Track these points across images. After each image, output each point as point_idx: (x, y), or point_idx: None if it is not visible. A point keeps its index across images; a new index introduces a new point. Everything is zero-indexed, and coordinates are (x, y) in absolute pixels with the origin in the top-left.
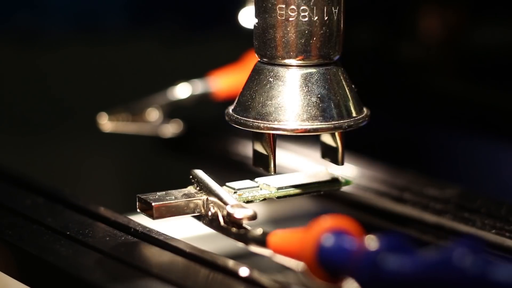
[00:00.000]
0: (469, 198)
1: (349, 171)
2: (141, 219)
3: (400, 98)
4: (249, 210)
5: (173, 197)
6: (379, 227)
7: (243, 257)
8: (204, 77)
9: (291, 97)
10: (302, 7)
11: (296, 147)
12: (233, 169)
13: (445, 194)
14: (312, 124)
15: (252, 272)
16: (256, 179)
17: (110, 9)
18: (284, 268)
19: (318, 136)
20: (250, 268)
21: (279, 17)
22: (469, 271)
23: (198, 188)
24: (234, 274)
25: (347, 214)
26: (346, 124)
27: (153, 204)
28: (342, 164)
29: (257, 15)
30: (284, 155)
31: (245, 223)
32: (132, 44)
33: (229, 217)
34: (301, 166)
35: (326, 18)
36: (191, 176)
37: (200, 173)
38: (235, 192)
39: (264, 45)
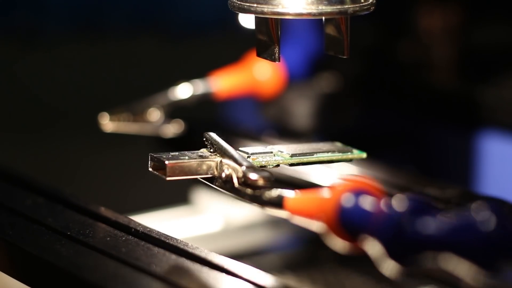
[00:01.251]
0: (469, 198)
1: (349, 171)
2: (141, 219)
3: (400, 97)
4: (265, 172)
5: (186, 157)
6: None
7: (244, 257)
8: (205, 77)
9: None
10: None
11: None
12: None
13: (445, 194)
14: (317, 8)
15: (251, 271)
16: (270, 146)
17: (111, 9)
18: (283, 268)
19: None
20: (250, 267)
21: None
22: (491, 232)
23: (211, 150)
24: (234, 274)
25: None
26: (351, 9)
27: (166, 162)
28: (348, 55)
29: None
30: None
31: (260, 185)
32: (133, 44)
33: (244, 179)
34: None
35: None
36: (204, 139)
37: (213, 135)
38: (248, 157)
39: None
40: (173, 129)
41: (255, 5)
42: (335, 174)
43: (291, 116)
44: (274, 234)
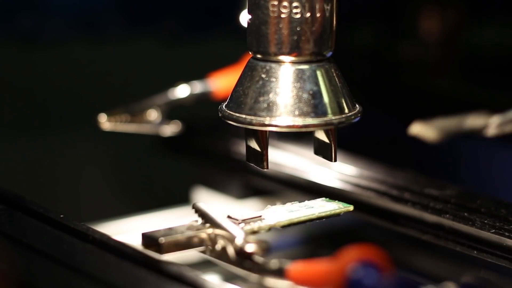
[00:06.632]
0: (469, 198)
1: (348, 171)
2: (142, 219)
3: (400, 97)
4: (262, 242)
5: (179, 232)
6: (378, 226)
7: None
8: (204, 78)
9: (283, 93)
10: (294, 4)
11: (292, 147)
12: (232, 169)
13: (445, 194)
14: (304, 120)
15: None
16: (259, 211)
17: (110, 10)
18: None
19: (312, 133)
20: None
21: (271, 14)
22: None
23: (203, 221)
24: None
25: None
26: (337, 120)
27: (160, 241)
28: (335, 160)
29: (250, 12)
30: (281, 155)
31: (257, 256)
32: (132, 45)
33: (240, 251)
34: (298, 165)
35: (318, 14)
36: (193, 209)
37: (202, 205)
38: (239, 224)
39: (257, 41)
40: (171, 129)
41: (243, 116)
42: (334, 174)
43: None
44: (276, 234)
